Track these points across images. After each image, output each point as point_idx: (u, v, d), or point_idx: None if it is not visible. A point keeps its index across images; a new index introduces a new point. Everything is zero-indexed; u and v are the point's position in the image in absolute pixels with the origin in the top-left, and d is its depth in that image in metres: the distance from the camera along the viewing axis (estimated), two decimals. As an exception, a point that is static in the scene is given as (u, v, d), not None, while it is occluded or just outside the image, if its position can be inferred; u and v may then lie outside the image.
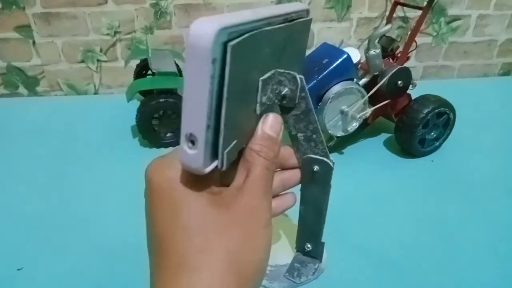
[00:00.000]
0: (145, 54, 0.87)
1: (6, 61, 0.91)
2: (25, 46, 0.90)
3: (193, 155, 0.23)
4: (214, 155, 0.24)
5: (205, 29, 0.20)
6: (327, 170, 0.33)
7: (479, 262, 0.49)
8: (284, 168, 0.34)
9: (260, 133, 0.28)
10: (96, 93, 0.97)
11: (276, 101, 0.30)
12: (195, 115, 0.22)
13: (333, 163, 0.33)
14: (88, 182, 0.64)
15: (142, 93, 0.82)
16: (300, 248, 0.41)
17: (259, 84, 0.27)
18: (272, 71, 0.28)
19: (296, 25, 0.33)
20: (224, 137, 0.23)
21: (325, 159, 0.33)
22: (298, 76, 0.29)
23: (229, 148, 0.25)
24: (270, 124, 0.29)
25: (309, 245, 0.40)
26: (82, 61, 0.93)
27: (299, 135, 0.32)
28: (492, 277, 0.47)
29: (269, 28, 0.27)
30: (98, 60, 0.93)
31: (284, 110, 0.31)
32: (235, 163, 0.29)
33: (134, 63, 0.87)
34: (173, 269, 0.22)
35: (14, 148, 0.73)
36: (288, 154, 0.33)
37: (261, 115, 0.30)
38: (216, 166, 0.24)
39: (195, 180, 0.24)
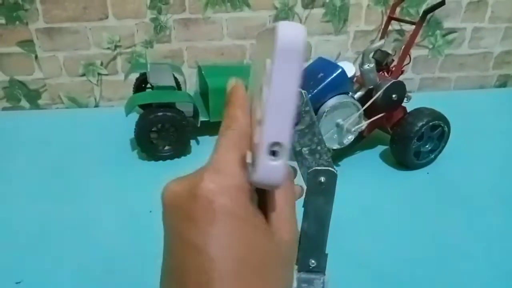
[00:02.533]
0: (144, 68, 0.88)
1: (9, 75, 0.93)
2: (28, 60, 0.91)
3: (277, 166, 0.21)
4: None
5: (297, 33, 0.19)
6: (333, 178, 0.34)
7: (474, 273, 0.49)
8: None
9: None
10: (96, 106, 0.99)
11: None
12: (283, 121, 0.20)
13: (336, 171, 0.34)
14: (87, 194, 0.64)
15: (142, 106, 0.83)
16: (303, 267, 0.41)
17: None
18: None
19: None
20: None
21: (330, 168, 0.34)
22: (303, 92, 0.29)
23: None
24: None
25: (313, 261, 0.39)
26: (83, 75, 0.95)
27: (304, 149, 0.33)
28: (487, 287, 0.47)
29: None
30: (99, 74, 0.95)
31: None
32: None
33: (134, 76, 0.88)
34: None
35: (15, 160, 0.74)
36: None
37: None
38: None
39: (245, 206, 0.21)
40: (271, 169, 0.20)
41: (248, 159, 0.21)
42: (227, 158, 0.21)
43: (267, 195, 0.23)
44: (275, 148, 0.20)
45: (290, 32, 0.19)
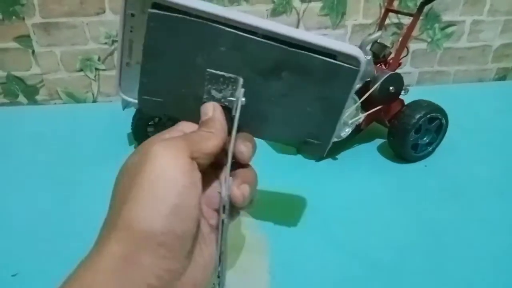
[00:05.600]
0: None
1: (6, 70, 0.93)
2: (25, 56, 0.91)
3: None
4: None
5: None
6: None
7: (472, 267, 0.49)
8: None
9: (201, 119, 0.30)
10: (94, 101, 0.99)
11: (227, 103, 0.30)
12: (120, 49, 0.32)
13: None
14: (85, 189, 0.64)
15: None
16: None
17: (206, 74, 0.29)
18: (231, 75, 0.29)
19: (314, 60, 0.30)
20: (142, 84, 0.31)
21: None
22: (241, 89, 0.29)
23: (150, 98, 0.32)
24: (207, 109, 0.30)
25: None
26: (81, 70, 0.94)
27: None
28: (485, 281, 0.47)
29: (236, 32, 0.28)
30: (96, 69, 0.95)
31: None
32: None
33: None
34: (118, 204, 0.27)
35: (13, 156, 0.74)
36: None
37: None
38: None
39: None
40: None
41: None
42: None
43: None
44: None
45: None
